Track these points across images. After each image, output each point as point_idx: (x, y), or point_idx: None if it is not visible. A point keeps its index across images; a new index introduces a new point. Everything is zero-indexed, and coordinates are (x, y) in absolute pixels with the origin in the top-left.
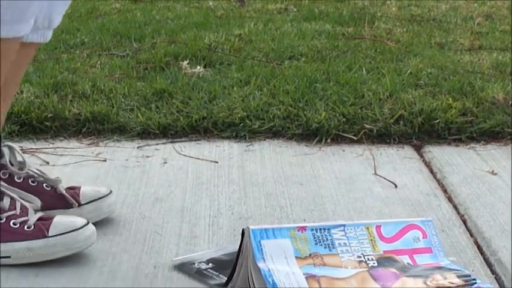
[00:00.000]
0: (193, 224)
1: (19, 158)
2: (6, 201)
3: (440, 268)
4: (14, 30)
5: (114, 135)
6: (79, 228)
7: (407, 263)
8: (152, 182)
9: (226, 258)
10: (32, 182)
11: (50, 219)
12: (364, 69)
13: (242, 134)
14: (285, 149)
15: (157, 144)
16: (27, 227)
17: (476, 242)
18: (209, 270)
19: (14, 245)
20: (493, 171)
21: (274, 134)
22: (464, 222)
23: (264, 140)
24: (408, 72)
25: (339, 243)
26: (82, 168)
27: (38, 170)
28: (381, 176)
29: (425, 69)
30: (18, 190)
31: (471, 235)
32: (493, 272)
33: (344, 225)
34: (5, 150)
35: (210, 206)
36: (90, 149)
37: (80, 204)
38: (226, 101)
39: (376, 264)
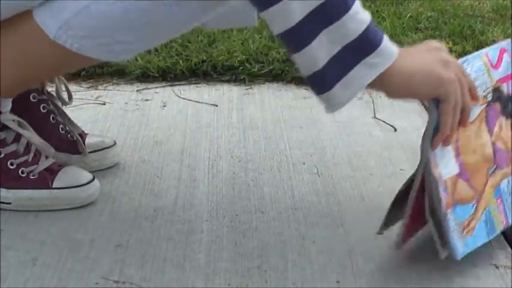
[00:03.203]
0: (192, 168)
1: (65, 95)
2: (22, 144)
3: None
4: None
5: (113, 78)
6: (84, 185)
7: (506, 93)
8: (152, 125)
9: None
10: (53, 118)
11: (57, 170)
12: None
13: (241, 77)
14: (285, 92)
15: (156, 87)
16: (33, 175)
17: None
18: None
19: (17, 193)
20: None
21: (274, 77)
22: None
23: (264, 83)
24: (408, 15)
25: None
26: (81, 111)
27: (64, 111)
28: (380, 120)
29: (426, 13)
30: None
31: None
32: None
33: (467, 59)
34: (57, 81)
35: (209, 149)
36: (89, 92)
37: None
38: (225, 44)
39: (490, 99)
